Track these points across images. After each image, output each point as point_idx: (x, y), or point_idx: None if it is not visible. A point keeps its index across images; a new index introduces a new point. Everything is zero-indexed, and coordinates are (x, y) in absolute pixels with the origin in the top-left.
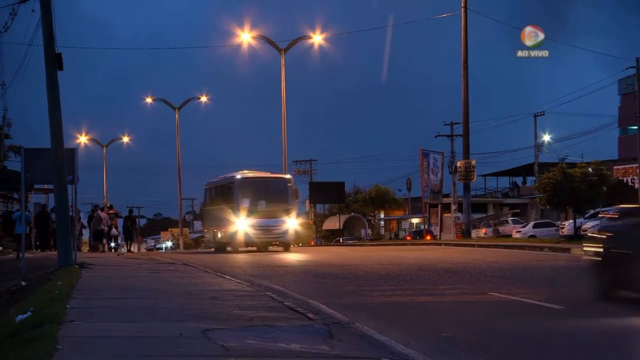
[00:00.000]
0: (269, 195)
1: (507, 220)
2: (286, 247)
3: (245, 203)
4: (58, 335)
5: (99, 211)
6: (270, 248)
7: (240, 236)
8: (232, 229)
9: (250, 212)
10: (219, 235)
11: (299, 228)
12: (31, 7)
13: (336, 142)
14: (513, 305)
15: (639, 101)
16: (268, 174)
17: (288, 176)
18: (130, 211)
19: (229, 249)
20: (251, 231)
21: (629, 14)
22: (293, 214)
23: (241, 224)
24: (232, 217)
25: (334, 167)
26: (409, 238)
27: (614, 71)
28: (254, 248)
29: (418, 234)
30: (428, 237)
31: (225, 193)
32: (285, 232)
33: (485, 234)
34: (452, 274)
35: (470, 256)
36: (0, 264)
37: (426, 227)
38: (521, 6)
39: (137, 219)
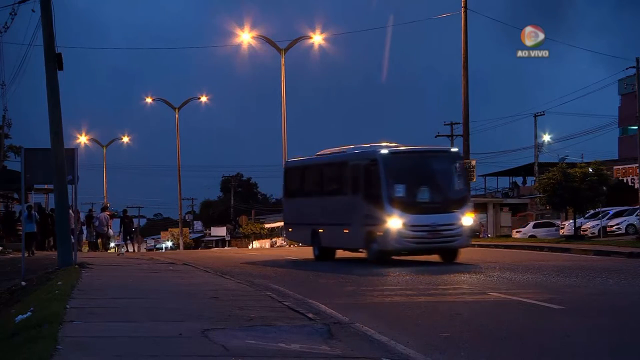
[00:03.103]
0: (431, 179)
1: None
2: (452, 255)
3: (399, 191)
4: (58, 335)
5: (100, 212)
6: (424, 258)
7: (393, 240)
8: (373, 229)
9: (407, 205)
10: (328, 235)
11: (474, 226)
12: (31, 7)
13: (336, 142)
14: (513, 305)
15: (639, 101)
16: (424, 147)
17: (455, 149)
18: (125, 211)
19: (370, 257)
20: (408, 233)
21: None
22: (466, 206)
23: (393, 222)
24: (375, 212)
25: None
26: None
27: (615, 70)
28: (401, 256)
29: None
30: None
31: (352, 176)
32: (459, 233)
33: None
34: (452, 274)
35: (470, 256)
36: (0, 264)
37: None
38: (521, 5)
39: (132, 219)
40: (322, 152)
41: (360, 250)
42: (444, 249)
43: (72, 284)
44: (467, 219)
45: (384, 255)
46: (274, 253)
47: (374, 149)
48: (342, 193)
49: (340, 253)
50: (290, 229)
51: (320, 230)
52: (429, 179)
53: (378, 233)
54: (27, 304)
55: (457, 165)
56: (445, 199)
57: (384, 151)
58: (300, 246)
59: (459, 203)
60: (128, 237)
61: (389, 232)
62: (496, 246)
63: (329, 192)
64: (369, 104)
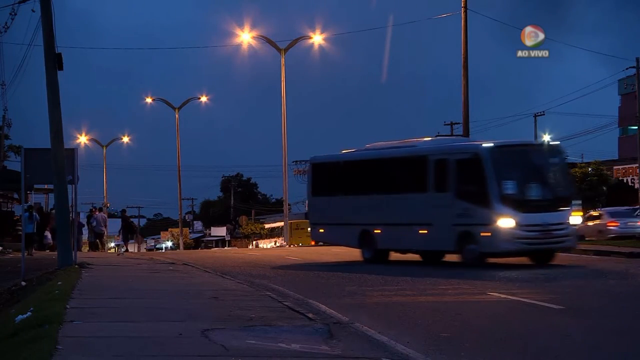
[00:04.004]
0: (540, 174)
1: None
2: (549, 258)
3: (509, 188)
4: (58, 335)
5: (98, 212)
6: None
7: (503, 241)
8: (473, 229)
9: (518, 203)
10: (388, 236)
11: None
12: (31, 7)
13: (336, 142)
14: (513, 305)
15: (639, 101)
16: (528, 141)
17: (558, 143)
18: (124, 211)
19: (467, 260)
20: (521, 233)
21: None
22: (573, 204)
23: (505, 222)
24: (477, 211)
25: None
26: None
27: (615, 70)
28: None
29: None
30: None
31: (436, 171)
32: (568, 233)
33: None
34: (452, 274)
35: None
36: (0, 264)
37: None
38: (521, 5)
39: (129, 218)
40: (372, 146)
41: (446, 251)
42: (552, 250)
43: (72, 284)
44: (575, 218)
45: (485, 257)
46: (276, 253)
47: (471, 143)
48: (416, 190)
49: (393, 255)
50: (320, 230)
51: (375, 231)
52: (537, 175)
53: (482, 233)
54: (27, 304)
55: (563, 160)
56: (554, 196)
57: (489, 145)
58: (301, 246)
59: (567, 201)
60: (128, 237)
61: (498, 233)
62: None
63: (394, 189)
64: (369, 103)
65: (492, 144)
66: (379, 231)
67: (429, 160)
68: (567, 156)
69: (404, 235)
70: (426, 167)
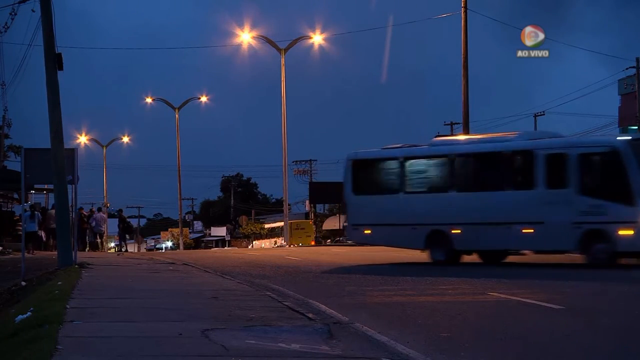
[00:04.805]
0: None
1: None
2: None
3: None
4: (58, 335)
5: (97, 212)
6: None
7: None
8: (607, 227)
9: None
10: (471, 236)
11: None
12: (31, 7)
13: (336, 142)
14: (513, 305)
15: (639, 101)
16: None
17: None
18: (120, 211)
19: (595, 260)
20: None
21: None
22: None
23: None
24: (613, 208)
25: (334, 167)
26: None
27: (615, 70)
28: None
29: None
30: None
31: (548, 167)
32: None
33: None
34: (452, 274)
35: (471, 257)
36: (0, 264)
37: None
38: (521, 5)
39: (126, 218)
40: (440, 141)
41: (562, 251)
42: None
43: (72, 284)
44: None
45: (619, 257)
46: (276, 253)
47: (598, 137)
48: (517, 187)
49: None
50: (366, 231)
51: (453, 231)
52: None
53: (619, 232)
54: (27, 304)
55: None
56: None
57: (626, 138)
58: (301, 246)
59: None
60: (126, 237)
61: None
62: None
63: (482, 186)
64: (368, 103)
65: (629, 138)
66: (458, 231)
67: (538, 155)
68: None
69: (496, 234)
70: (533, 163)
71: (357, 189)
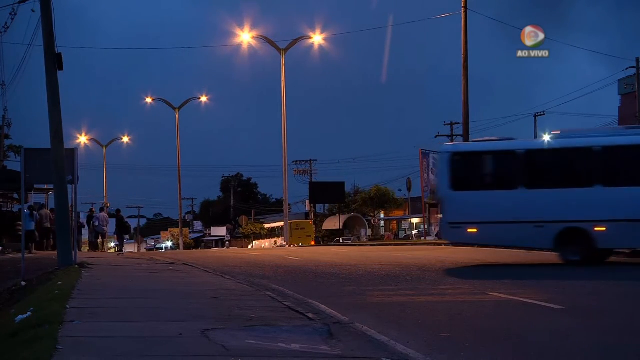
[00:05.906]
0: None
1: None
2: None
3: None
4: (58, 335)
5: (100, 212)
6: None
7: None
8: None
9: None
10: (620, 234)
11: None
12: (31, 7)
13: (336, 142)
14: (513, 305)
15: (639, 101)
16: None
17: None
18: (118, 211)
19: None
20: None
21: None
22: None
23: None
24: None
25: (334, 167)
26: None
27: (615, 70)
28: None
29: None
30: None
31: None
32: None
33: None
34: (452, 274)
35: (470, 256)
36: (0, 264)
37: (426, 227)
38: (521, 5)
39: (123, 218)
40: (565, 133)
41: None
42: None
43: (72, 284)
44: None
45: None
46: (276, 253)
47: None
48: None
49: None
50: (471, 230)
51: (597, 229)
52: None
53: None
54: (27, 304)
55: None
56: None
57: None
58: (301, 246)
59: None
60: (123, 237)
61: None
62: (496, 246)
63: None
64: (368, 103)
65: None
66: (603, 228)
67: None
68: None
69: None
70: None
71: (458, 184)
